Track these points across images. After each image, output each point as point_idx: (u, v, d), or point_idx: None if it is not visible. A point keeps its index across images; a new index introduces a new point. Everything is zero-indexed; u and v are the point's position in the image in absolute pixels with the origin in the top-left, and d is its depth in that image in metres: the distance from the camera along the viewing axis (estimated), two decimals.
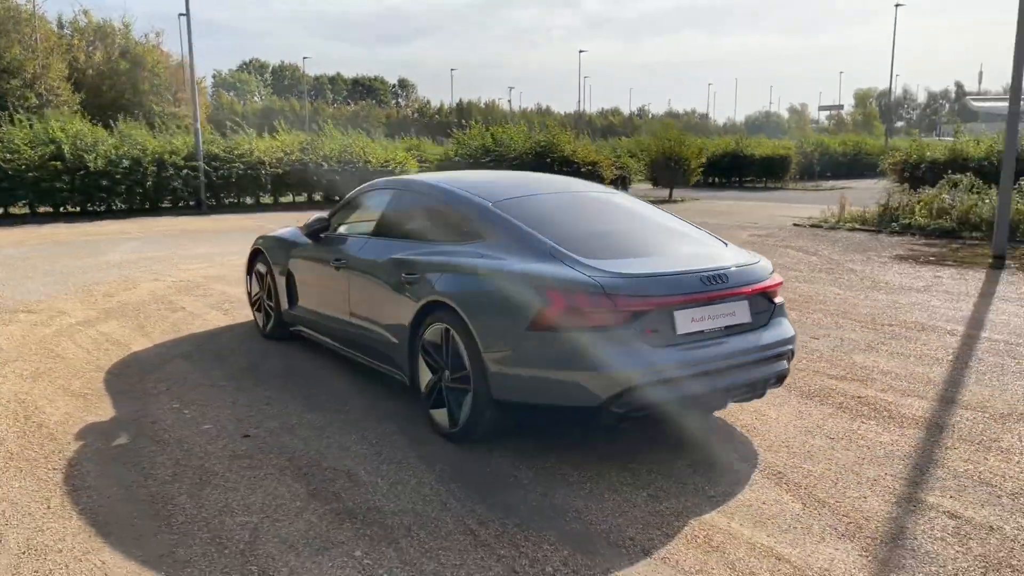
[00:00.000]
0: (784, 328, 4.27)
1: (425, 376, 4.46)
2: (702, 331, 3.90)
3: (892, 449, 4.17)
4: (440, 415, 4.35)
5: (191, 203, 20.11)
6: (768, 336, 4.14)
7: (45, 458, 4.10)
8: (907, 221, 13.98)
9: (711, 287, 3.93)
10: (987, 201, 13.53)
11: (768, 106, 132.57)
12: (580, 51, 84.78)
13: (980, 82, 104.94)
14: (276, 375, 5.55)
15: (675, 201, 22.94)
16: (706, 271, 3.98)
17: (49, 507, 3.54)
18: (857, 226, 14.65)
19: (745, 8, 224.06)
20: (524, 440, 4.25)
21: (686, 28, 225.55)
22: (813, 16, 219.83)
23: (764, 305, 4.20)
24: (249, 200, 21.38)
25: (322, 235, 5.79)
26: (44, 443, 4.30)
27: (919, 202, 14.62)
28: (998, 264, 10.33)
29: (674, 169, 23.87)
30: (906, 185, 17.94)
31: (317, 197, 22.44)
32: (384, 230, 5.20)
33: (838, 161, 35.81)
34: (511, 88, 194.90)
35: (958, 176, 14.70)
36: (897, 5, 42.82)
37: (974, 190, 14.21)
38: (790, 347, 4.25)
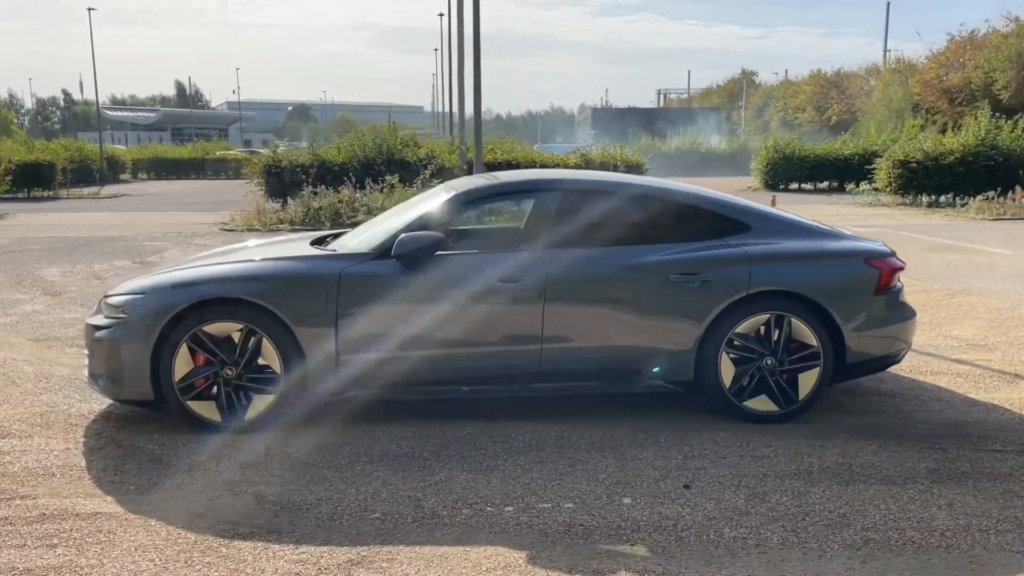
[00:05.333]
0: None
1: (728, 372, 4.38)
2: None
3: None
4: (761, 403, 4.41)
5: None
6: None
7: None
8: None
9: None
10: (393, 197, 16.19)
11: None
12: None
13: (82, 92, 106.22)
14: (425, 446, 4.02)
15: None
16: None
17: None
18: (294, 227, 15.34)
19: None
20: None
21: None
22: None
23: None
24: None
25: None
26: None
27: (339, 201, 16.34)
28: None
29: None
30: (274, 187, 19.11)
31: None
32: (570, 240, 4.47)
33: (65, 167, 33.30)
34: None
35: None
36: (90, 9, 40.61)
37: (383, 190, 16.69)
38: None
